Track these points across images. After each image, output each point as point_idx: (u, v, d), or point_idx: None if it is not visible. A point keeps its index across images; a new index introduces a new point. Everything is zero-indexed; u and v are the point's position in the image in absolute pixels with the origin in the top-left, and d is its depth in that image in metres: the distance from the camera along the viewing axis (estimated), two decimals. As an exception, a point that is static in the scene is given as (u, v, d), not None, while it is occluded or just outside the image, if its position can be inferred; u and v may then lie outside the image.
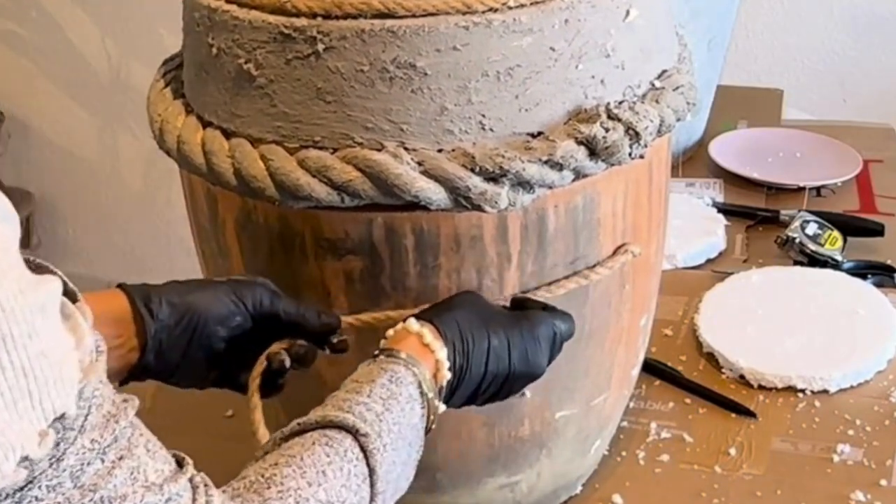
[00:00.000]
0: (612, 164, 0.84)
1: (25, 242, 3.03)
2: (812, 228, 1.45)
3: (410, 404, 0.75)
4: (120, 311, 0.80)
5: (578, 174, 0.83)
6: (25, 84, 3.02)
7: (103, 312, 0.79)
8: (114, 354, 0.79)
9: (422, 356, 0.78)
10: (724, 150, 1.75)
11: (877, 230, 1.52)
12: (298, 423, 0.72)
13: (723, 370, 1.24)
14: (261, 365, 0.84)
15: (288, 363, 0.84)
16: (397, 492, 0.76)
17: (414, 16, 0.78)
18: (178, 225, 2.97)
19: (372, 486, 0.71)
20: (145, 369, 0.81)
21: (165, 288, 0.83)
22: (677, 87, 0.90)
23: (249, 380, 0.84)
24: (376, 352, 0.79)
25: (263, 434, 0.82)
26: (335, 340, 0.86)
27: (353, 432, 0.71)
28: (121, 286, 0.82)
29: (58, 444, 0.52)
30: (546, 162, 0.80)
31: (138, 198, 3.07)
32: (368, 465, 0.71)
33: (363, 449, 0.71)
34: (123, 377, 0.82)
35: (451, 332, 0.79)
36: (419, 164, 0.79)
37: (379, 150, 0.80)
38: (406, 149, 0.80)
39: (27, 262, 0.57)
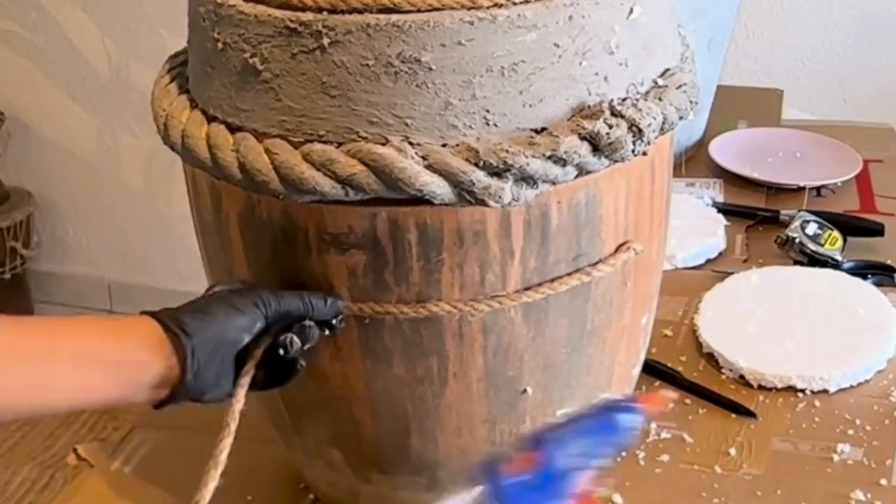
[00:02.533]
0: (615, 161, 0.84)
1: (26, 242, 3.03)
2: (812, 228, 1.45)
3: None
4: (151, 332, 0.81)
5: (581, 170, 0.83)
6: (25, 84, 3.03)
7: (135, 335, 0.81)
8: (150, 371, 0.80)
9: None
10: (724, 150, 1.76)
11: (877, 230, 1.52)
12: None
13: (723, 370, 1.24)
14: (253, 359, 0.85)
15: (298, 343, 0.85)
16: None
17: (419, 11, 0.78)
18: (178, 225, 2.98)
19: None
20: (184, 390, 0.82)
21: (185, 309, 0.83)
22: (680, 86, 0.90)
23: (243, 371, 0.85)
24: None
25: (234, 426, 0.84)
26: (338, 322, 0.87)
27: None
28: (144, 313, 0.82)
29: None
30: (550, 157, 0.81)
31: (138, 198, 3.07)
32: None
33: None
34: (163, 397, 0.82)
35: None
36: (423, 158, 0.79)
37: (383, 145, 0.80)
38: (410, 143, 0.80)
39: None
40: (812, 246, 1.43)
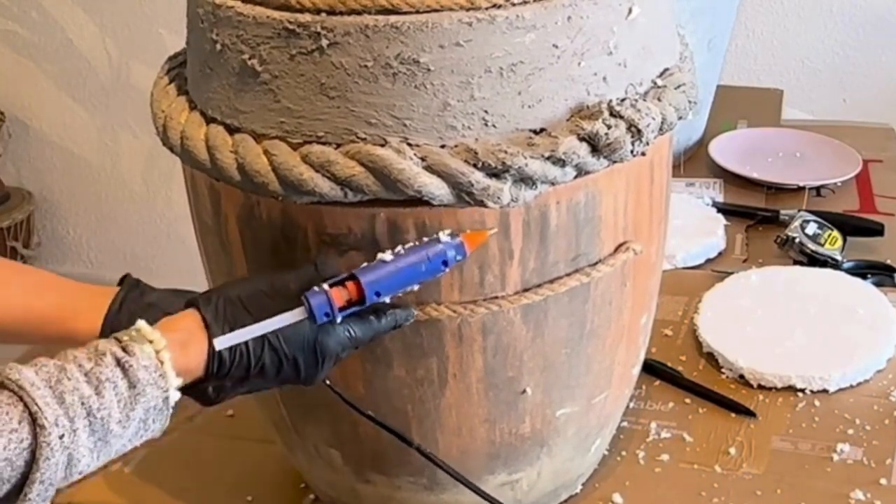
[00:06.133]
0: (614, 162, 0.84)
1: (26, 242, 3.03)
2: (812, 228, 1.45)
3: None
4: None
5: (580, 171, 0.83)
6: (25, 84, 3.03)
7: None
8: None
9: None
10: (724, 150, 1.76)
11: (877, 230, 1.52)
12: None
13: (723, 370, 1.25)
14: None
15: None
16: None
17: (417, 12, 0.78)
18: (178, 224, 2.98)
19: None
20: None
21: None
22: (679, 86, 0.90)
23: None
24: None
25: None
26: None
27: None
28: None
29: None
30: (548, 158, 0.81)
31: (138, 198, 3.07)
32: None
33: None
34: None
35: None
36: (422, 159, 0.79)
37: (382, 146, 0.80)
38: (409, 144, 0.80)
39: None
40: (812, 246, 1.43)
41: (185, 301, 0.81)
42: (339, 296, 0.78)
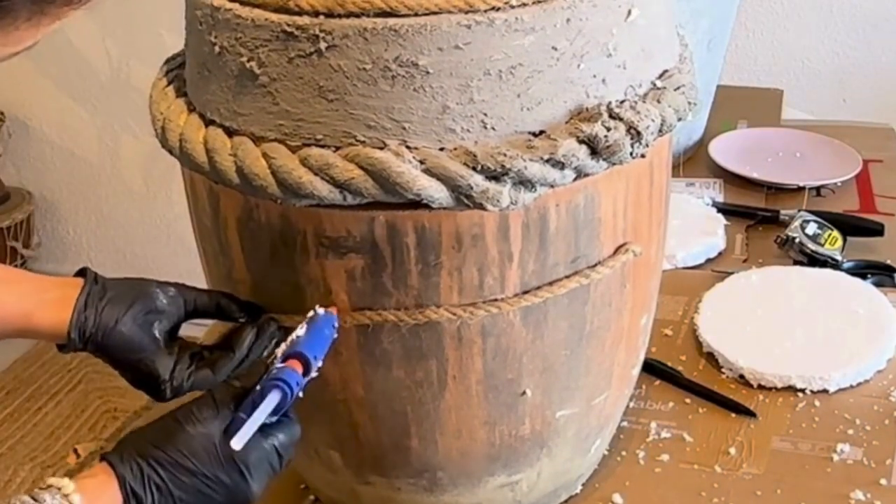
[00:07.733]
0: (614, 164, 0.84)
1: (26, 242, 3.04)
2: (812, 228, 1.45)
3: None
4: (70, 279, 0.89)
5: (580, 173, 0.83)
6: (25, 84, 3.03)
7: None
8: (54, 289, 0.88)
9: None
10: (724, 150, 1.76)
11: (877, 230, 1.52)
12: None
13: (723, 370, 1.25)
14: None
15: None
16: None
17: (416, 14, 0.78)
18: (178, 224, 2.98)
19: None
20: (80, 313, 0.86)
21: None
22: (678, 87, 0.90)
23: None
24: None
25: None
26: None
27: None
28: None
29: None
30: (548, 161, 0.80)
31: (138, 198, 3.07)
32: None
33: None
34: (65, 334, 0.86)
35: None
36: (421, 162, 0.79)
37: (381, 149, 0.80)
38: (408, 147, 0.80)
39: None
40: (812, 246, 1.43)
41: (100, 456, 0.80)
42: (295, 367, 0.80)
